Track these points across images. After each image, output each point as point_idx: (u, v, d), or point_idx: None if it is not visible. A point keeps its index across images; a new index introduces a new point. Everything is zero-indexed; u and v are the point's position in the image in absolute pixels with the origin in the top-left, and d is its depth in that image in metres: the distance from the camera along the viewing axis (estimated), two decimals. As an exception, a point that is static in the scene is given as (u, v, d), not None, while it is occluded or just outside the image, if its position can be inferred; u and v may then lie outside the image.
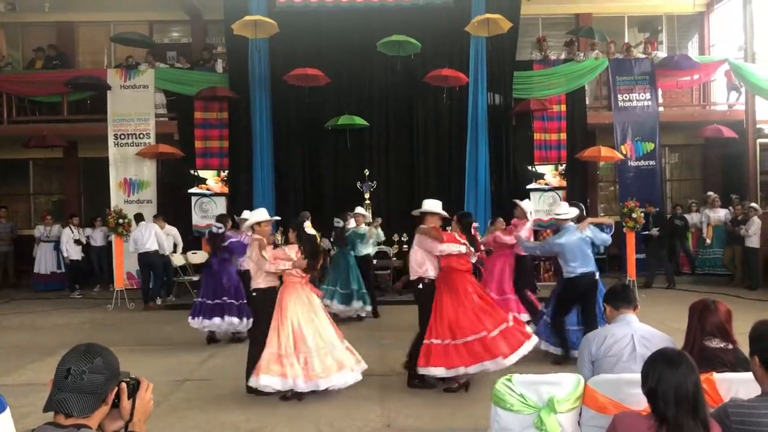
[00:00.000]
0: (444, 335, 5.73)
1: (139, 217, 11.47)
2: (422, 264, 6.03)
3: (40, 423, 1.83)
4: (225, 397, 5.86)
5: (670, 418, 2.27)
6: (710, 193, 13.11)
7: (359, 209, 10.00)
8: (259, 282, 5.98)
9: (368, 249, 9.82)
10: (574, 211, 7.04)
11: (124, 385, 1.89)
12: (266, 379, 5.49)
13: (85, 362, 1.82)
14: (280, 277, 6.00)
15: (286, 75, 11.90)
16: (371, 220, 10.66)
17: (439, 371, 5.70)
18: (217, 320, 7.90)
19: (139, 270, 11.50)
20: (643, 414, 2.43)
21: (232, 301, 7.99)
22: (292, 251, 5.82)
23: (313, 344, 5.62)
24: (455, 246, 5.95)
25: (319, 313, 5.86)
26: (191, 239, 12.48)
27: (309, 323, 5.69)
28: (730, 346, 3.15)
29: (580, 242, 6.74)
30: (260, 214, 6.36)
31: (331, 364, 5.63)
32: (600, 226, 7.08)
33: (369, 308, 9.56)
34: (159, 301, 11.23)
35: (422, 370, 5.78)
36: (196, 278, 11.39)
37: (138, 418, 1.92)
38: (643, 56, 13.46)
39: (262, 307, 5.94)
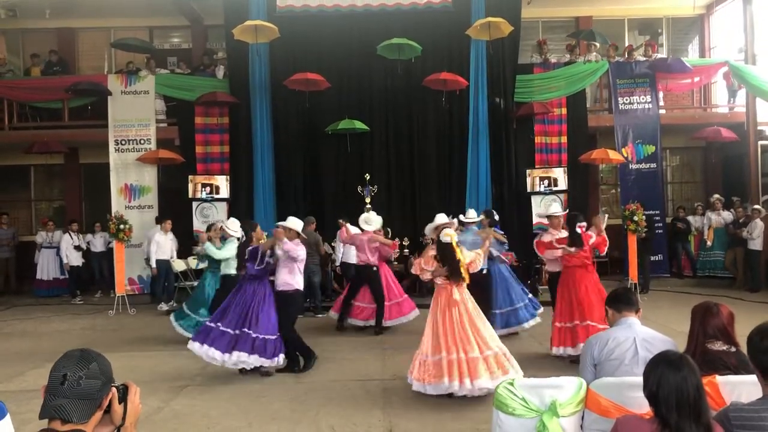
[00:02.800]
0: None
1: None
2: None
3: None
4: (226, 402, 5.85)
5: (672, 422, 2.26)
6: (715, 195, 13.07)
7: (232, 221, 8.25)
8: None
9: (228, 269, 8.08)
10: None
11: (114, 390, 1.90)
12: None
13: (81, 368, 1.82)
14: None
15: (287, 80, 11.93)
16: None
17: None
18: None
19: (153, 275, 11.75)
20: (646, 417, 2.42)
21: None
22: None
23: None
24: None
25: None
26: (192, 244, 12.45)
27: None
28: (733, 349, 3.14)
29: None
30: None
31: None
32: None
33: None
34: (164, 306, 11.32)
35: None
36: (196, 283, 11.37)
37: (129, 422, 1.94)
38: (643, 59, 13.45)
39: None
